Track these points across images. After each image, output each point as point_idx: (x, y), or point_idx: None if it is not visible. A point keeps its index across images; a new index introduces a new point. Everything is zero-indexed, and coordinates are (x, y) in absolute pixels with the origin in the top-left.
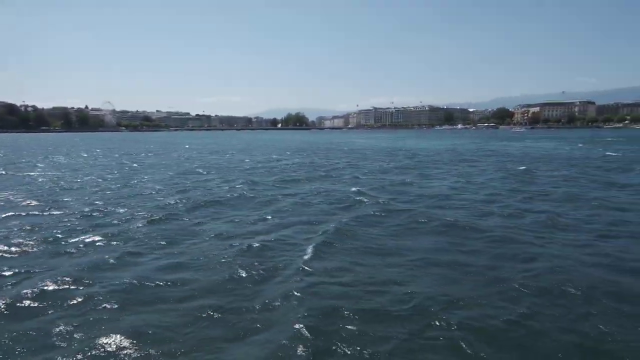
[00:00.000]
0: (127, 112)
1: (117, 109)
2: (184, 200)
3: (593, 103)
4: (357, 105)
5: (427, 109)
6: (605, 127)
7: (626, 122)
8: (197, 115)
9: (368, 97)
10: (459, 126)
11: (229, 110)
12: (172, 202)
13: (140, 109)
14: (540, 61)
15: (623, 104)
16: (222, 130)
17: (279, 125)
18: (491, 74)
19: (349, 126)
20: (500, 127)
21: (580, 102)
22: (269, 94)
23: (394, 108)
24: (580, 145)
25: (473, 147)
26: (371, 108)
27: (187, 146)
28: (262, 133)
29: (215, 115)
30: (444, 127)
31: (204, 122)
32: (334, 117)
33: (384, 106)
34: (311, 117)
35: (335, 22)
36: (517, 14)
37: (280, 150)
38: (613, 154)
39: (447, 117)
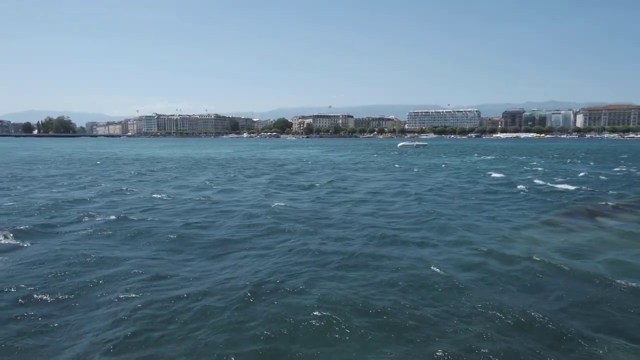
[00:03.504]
0: None
1: None
2: None
3: (352, 117)
4: (137, 111)
5: (213, 117)
6: (361, 137)
7: (375, 133)
8: None
9: (147, 103)
10: (245, 135)
11: None
12: None
13: None
14: (314, 77)
15: (372, 118)
16: None
17: (35, 132)
18: (271, 84)
19: (128, 134)
20: (282, 136)
21: (342, 115)
22: (19, 90)
23: (179, 115)
24: (333, 152)
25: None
26: (154, 114)
27: None
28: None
29: None
30: (230, 135)
31: None
32: (109, 124)
33: (167, 113)
34: (79, 123)
35: (107, 20)
36: (288, 33)
37: None
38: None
39: (233, 125)
